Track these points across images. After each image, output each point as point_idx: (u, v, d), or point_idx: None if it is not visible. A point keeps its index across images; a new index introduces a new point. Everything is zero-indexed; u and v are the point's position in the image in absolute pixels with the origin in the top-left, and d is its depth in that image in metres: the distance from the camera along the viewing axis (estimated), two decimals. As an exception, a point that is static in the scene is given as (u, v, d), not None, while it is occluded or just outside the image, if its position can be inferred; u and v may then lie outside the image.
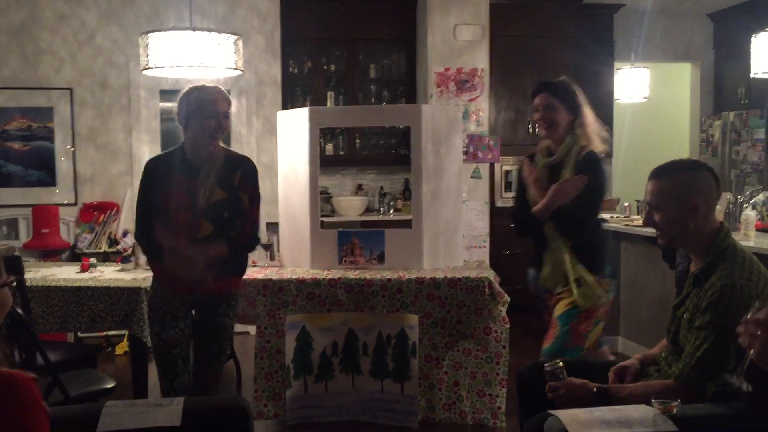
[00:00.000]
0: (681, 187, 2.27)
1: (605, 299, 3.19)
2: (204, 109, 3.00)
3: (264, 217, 5.91)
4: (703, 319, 2.18)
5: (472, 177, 6.16)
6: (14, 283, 1.67)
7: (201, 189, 2.99)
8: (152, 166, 3.14)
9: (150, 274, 4.11)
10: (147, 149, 6.12)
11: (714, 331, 2.14)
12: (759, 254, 2.52)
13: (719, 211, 2.42)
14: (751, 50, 4.52)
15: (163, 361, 3.06)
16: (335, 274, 3.91)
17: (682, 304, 2.35)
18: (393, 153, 6.91)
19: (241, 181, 3.07)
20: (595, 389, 2.30)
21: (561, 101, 3.17)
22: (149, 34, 3.77)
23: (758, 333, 1.68)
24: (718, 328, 2.13)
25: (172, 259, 2.99)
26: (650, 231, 4.72)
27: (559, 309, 3.16)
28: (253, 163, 3.18)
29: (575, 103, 3.18)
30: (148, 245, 3.12)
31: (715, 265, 2.23)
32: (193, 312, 3.15)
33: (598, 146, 3.21)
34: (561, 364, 2.37)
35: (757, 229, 4.43)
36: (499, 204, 6.69)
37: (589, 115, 3.21)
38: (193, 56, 3.71)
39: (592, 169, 3.14)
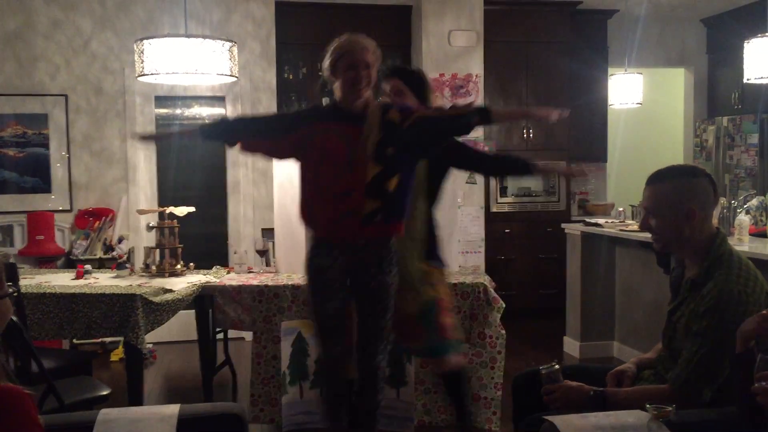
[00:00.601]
0: (677, 194, 2.27)
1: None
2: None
3: (259, 223, 5.94)
4: (700, 325, 2.18)
5: (467, 182, 6.17)
6: (15, 293, 1.68)
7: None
8: None
9: (144, 280, 4.12)
10: (142, 155, 6.12)
11: (711, 338, 2.15)
12: (753, 259, 2.53)
13: (713, 216, 2.43)
14: (745, 55, 4.54)
15: (323, 331, 3.04)
16: (331, 279, 3.90)
17: (678, 310, 2.35)
18: (388, 158, 6.90)
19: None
20: (591, 393, 2.30)
21: (411, 89, 3.13)
22: (144, 41, 3.77)
23: None
24: (716, 334, 2.13)
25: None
26: (645, 236, 4.75)
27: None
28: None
29: (424, 95, 3.13)
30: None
31: (711, 271, 2.23)
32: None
33: None
34: (557, 367, 2.38)
35: (750, 234, 4.45)
36: (494, 209, 6.71)
37: (433, 105, 3.18)
38: (188, 63, 3.72)
39: None
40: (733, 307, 2.11)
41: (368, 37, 3.00)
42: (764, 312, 1.87)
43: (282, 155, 3.23)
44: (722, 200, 4.73)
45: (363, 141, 2.87)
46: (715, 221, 2.51)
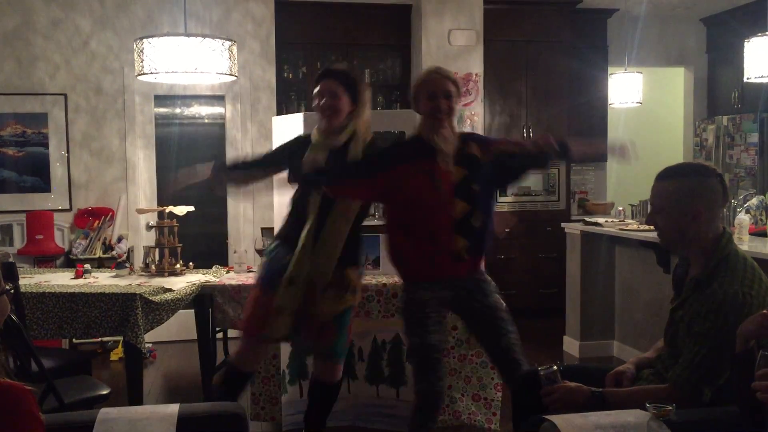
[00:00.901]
0: (685, 193, 2.25)
1: None
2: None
3: (259, 222, 5.94)
4: (703, 326, 2.17)
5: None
6: (12, 291, 1.67)
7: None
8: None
9: (143, 279, 4.12)
10: (141, 155, 6.12)
11: (712, 339, 2.14)
12: (753, 258, 2.53)
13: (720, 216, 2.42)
14: (744, 55, 4.54)
15: (424, 365, 2.97)
16: (330, 279, 3.90)
17: (680, 308, 2.34)
18: (388, 158, 6.90)
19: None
20: (590, 393, 2.30)
21: (345, 89, 3.11)
22: (144, 40, 3.77)
23: None
24: (718, 335, 2.12)
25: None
26: (644, 235, 4.76)
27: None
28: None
29: (358, 96, 3.13)
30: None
31: (716, 272, 2.22)
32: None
33: (369, 135, 3.21)
34: (556, 368, 2.37)
35: (750, 233, 4.45)
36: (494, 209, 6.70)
37: (367, 105, 3.17)
38: (188, 62, 3.72)
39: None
40: (737, 309, 2.10)
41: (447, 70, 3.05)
42: (765, 311, 1.86)
43: (371, 197, 3.25)
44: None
45: (447, 178, 2.90)
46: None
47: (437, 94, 2.93)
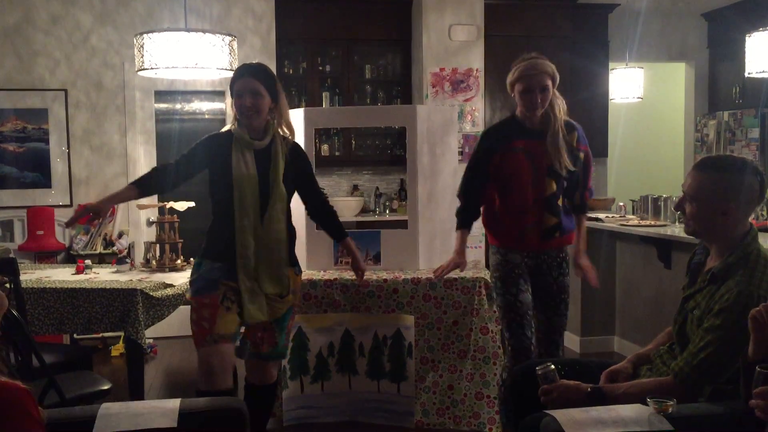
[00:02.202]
0: (720, 188, 2.22)
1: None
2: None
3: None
4: (712, 322, 2.15)
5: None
6: (8, 284, 1.68)
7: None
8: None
9: (144, 275, 4.12)
10: (142, 150, 6.11)
11: (721, 337, 2.13)
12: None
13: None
14: (746, 50, 4.52)
15: (516, 321, 3.25)
16: (331, 275, 3.91)
17: (692, 298, 2.32)
18: (389, 153, 6.91)
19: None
20: (588, 390, 2.29)
21: (265, 87, 3.05)
22: (144, 35, 3.76)
23: None
24: (727, 335, 2.11)
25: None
26: (645, 231, 4.75)
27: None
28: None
29: (276, 90, 3.09)
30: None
31: (735, 268, 2.20)
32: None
33: (294, 135, 3.20)
34: (552, 366, 2.36)
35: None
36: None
37: (285, 101, 3.15)
38: (188, 57, 3.71)
39: (306, 160, 3.28)
40: (749, 310, 2.08)
41: (546, 60, 3.24)
42: None
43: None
44: None
45: (549, 158, 3.18)
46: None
47: (534, 88, 3.16)
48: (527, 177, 3.21)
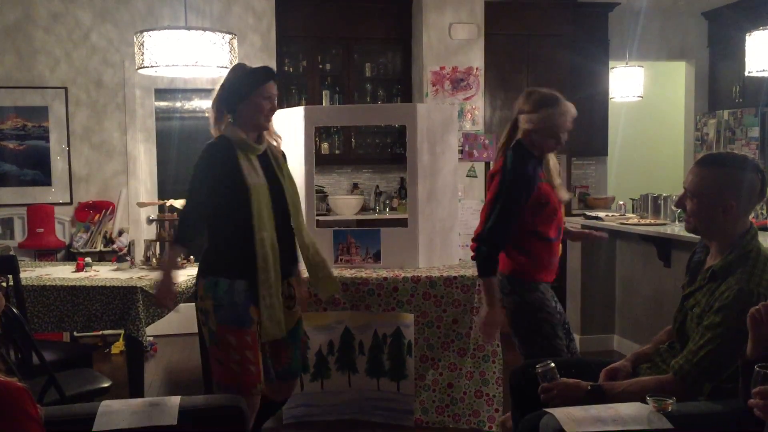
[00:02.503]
0: (721, 184, 2.23)
1: None
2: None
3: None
4: (713, 320, 2.16)
5: (467, 176, 6.16)
6: (3, 283, 1.68)
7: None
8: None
9: (144, 273, 4.12)
10: (142, 148, 6.11)
11: (721, 335, 2.13)
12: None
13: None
14: (746, 49, 4.52)
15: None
16: (331, 272, 3.91)
17: (692, 296, 2.33)
18: (389, 152, 6.91)
19: None
20: (588, 388, 2.29)
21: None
22: (144, 33, 3.76)
23: None
24: (727, 332, 2.11)
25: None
26: (645, 229, 4.75)
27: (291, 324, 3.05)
28: None
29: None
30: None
31: (735, 266, 2.20)
32: None
33: (281, 142, 3.19)
34: (552, 365, 2.36)
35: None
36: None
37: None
38: (188, 55, 3.72)
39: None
40: (749, 307, 2.08)
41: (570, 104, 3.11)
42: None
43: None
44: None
45: (558, 188, 3.14)
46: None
47: (561, 135, 3.04)
48: (554, 208, 3.09)
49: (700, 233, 2.37)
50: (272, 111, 2.98)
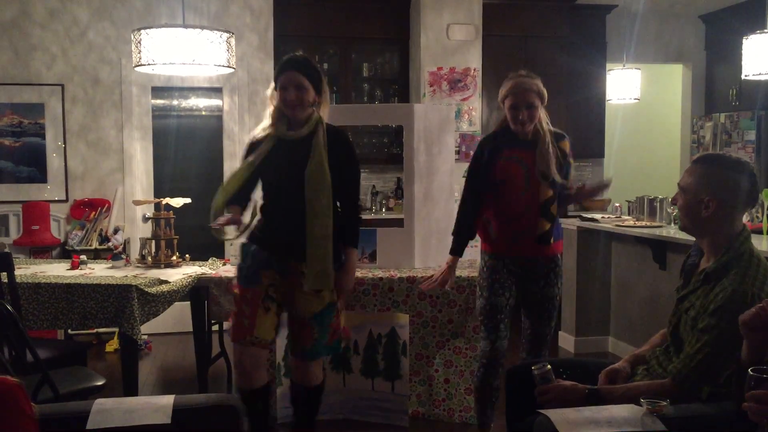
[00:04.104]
0: (707, 181, 2.26)
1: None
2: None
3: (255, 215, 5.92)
4: (708, 322, 2.16)
5: (464, 176, 6.15)
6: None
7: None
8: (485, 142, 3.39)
9: (139, 271, 4.12)
10: (138, 146, 6.10)
11: (717, 337, 2.13)
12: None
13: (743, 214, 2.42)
14: (743, 52, 4.54)
15: (488, 323, 3.32)
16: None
17: (686, 298, 2.33)
18: (385, 152, 6.91)
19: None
20: (585, 391, 2.29)
21: (310, 80, 3.07)
22: (141, 31, 3.76)
23: None
24: (723, 334, 2.11)
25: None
26: (641, 231, 4.76)
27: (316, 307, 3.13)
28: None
29: (321, 82, 3.12)
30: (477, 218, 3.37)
31: (728, 267, 2.21)
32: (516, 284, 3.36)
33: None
34: (549, 367, 2.36)
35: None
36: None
37: (327, 96, 3.20)
38: (186, 53, 3.71)
39: (351, 147, 3.24)
40: (744, 308, 2.07)
41: (535, 77, 3.28)
42: (763, 303, 1.85)
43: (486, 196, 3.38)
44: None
45: (539, 165, 3.21)
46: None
47: (520, 105, 3.21)
48: (521, 183, 3.24)
49: (689, 231, 2.39)
50: (295, 100, 3.04)
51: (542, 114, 3.28)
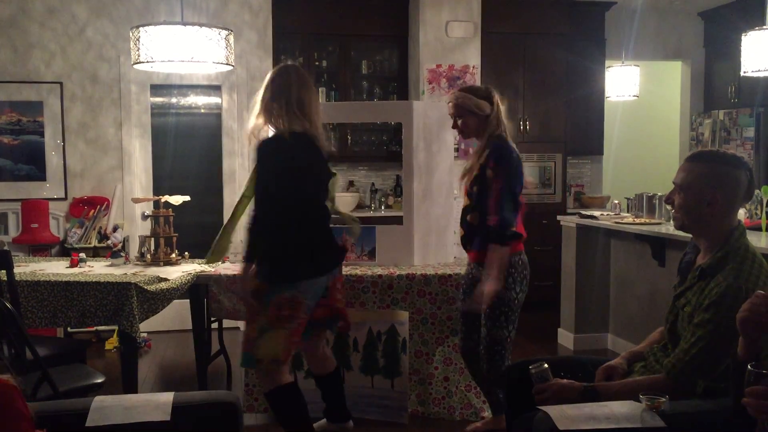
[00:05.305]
0: (707, 178, 2.25)
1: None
2: None
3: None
4: (702, 317, 2.16)
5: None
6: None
7: None
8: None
9: (139, 269, 4.12)
10: (137, 144, 6.10)
11: (712, 332, 2.13)
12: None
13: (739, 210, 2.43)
14: (742, 49, 4.53)
15: (460, 326, 3.62)
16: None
17: (683, 295, 2.34)
18: (385, 149, 6.91)
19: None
20: (582, 388, 2.29)
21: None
22: (140, 29, 3.75)
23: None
24: (717, 329, 2.12)
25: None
26: (640, 229, 4.76)
27: None
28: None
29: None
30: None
31: (723, 263, 2.21)
32: None
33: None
34: (546, 366, 2.36)
35: (746, 227, 4.45)
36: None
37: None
38: (184, 51, 3.70)
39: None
40: (738, 303, 2.08)
41: (470, 96, 3.41)
42: (758, 293, 1.85)
43: None
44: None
45: (464, 174, 3.44)
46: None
47: (452, 116, 3.45)
48: (463, 191, 3.49)
49: (687, 229, 2.39)
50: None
51: (494, 121, 3.39)
